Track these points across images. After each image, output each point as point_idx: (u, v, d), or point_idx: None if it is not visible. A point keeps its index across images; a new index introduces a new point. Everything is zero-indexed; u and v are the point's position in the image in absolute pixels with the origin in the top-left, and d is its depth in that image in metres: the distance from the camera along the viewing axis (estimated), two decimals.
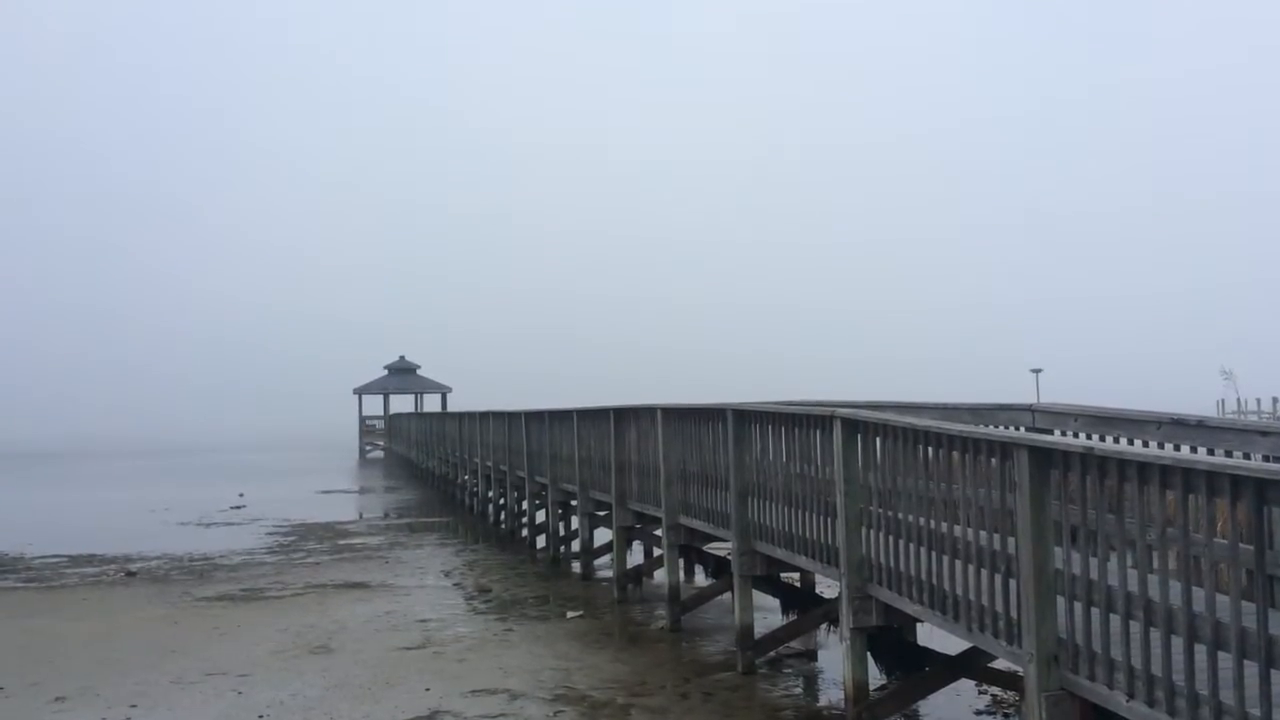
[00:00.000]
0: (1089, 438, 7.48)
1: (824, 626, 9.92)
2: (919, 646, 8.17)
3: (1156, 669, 4.41)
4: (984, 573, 5.66)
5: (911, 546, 6.47)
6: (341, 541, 20.01)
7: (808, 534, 8.03)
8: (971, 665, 7.33)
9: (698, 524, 10.58)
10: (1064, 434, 7.89)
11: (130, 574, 16.33)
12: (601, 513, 14.75)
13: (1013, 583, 5.35)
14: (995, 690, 8.15)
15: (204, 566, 17.00)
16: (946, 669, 7.48)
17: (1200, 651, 4.19)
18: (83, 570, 16.98)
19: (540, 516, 18.50)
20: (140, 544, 19.94)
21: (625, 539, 13.73)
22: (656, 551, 13.85)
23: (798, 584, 11.10)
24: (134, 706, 8.57)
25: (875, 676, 7.78)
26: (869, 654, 7.40)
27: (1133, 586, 4.61)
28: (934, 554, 6.19)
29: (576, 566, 15.57)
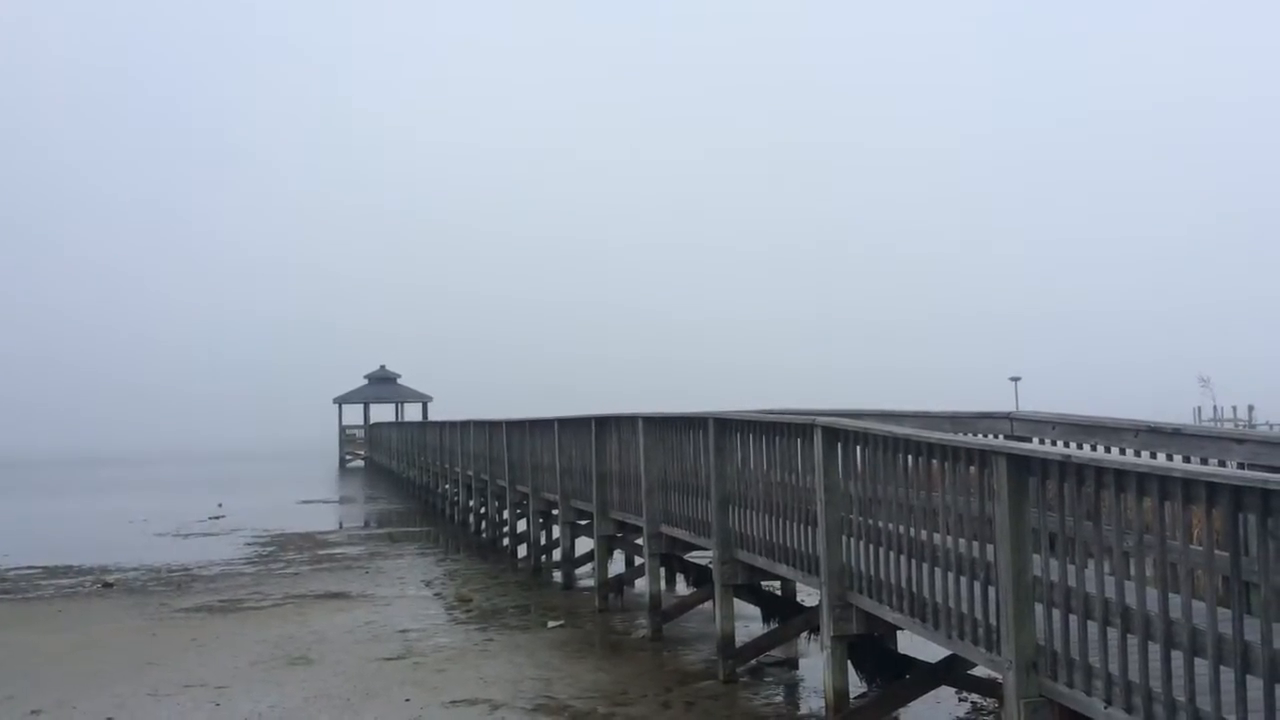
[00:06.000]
0: (1067, 445, 7.52)
1: (805, 635, 9.94)
2: (899, 654, 8.19)
3: (1134, 675, 4.44)
4: (963, 580, 5.68)
5: (891, 555, 6.49)
6: (321, 551, 19.90)
7: (789, 542, 8.04)
8: (951, 673, 7.35)
9: (679, 533, 10.58)
10: (1042, 442, 7.93)
11: (107, 585, 16.19)
12: (583, 522, 14.73)
13: (992, 590, 5.37)
14: (975, 697, 8.18)
15: (182, 577, 16.88)
16: (927, 677, 7.51)
17: (1177, 658, 4.22)
18: (58, 582, 16.83)
19: (521, 526, 18.46)
20: (117, 555, 19.77)
21: (606, 548, 13.72)
22: (638, 560, 13.84)
23: (779, 592, 11.12)
24: (111, 719, 8.49)
25: (856, 684, 7.78)
26: (849, 662, 7.41)
27: (1110, 593, 4.64)
28: (914, 562, 6.21)
29: (558, 576, 15.54)
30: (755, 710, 8.36)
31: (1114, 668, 4.55)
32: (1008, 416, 8.88)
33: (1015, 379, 44.87)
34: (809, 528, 7.62)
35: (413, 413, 59.11)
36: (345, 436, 61.39)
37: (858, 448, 7.05)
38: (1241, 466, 5.98)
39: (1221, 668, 3.99)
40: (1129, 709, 4.45)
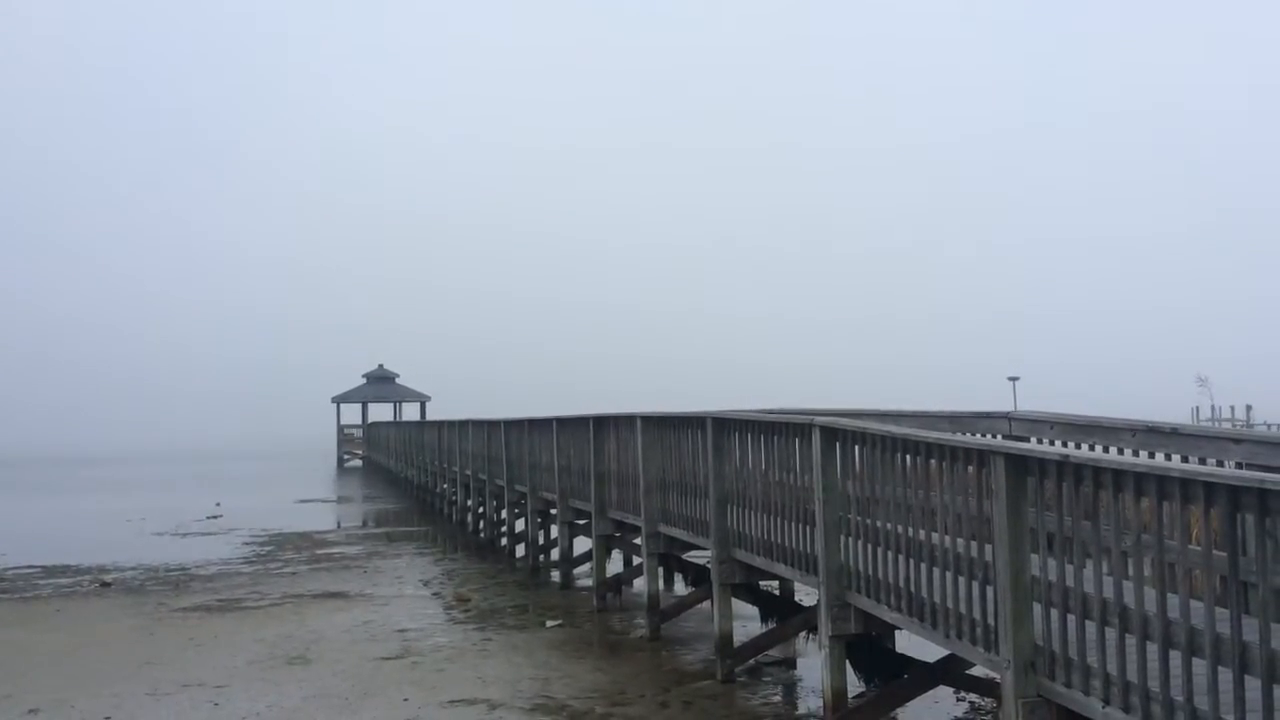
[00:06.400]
0: (1065, 445, 7.53)
1: (803, 634, 9.94)
2: (897, 654, 8.19)
3: (1132, 675, 4.44)
4: (961, 580, 5.68)
5: (890, 554, 6.49)
6: (319, 551, 19.89)
7: (787, 542, 8.04)
8: (950, 672, 7.35)
9: (677, 532, 10.58)
10: (1040, 442, 7.93)
11: (105, 585, 16.17)
12: (581, 521, 14.73)
13: (990, 590, 5.37)
14: (973, 697, 8.18)
15: (180, 577, 16.87)
16: (925, 676, 7.50)
17: (1175, 657, 4.22)
18: (56, 581, 16.82)
19: (519, 525, 18.46)
20: (115, 554, 19.75)
21: (605, 548, 13.71)
22: (636, 560, 13.84)
23: (777, 592, 11.12)
24: (108, 718, 8.49)
25: (854, 684, 7.78)
26: (848, 662, 7.42)
27: (1108, 593, 4.64)
28: (912, 562, 6.21)
29: (556, 575, 15.54)
30: (753, 710, 8.36)
31: (1112, 667, 4.55)
32: (1006, 416, 8.88)
33: (1013, 379, 44.86)
34: (807, 527, 7.62)
35: (411, 412, 59.09)
36: (343, 436, 61.35)
37: (856, 447, 7.04)
38: (1239, 466, 5.99)
39: (1219, 668, 3.99)
40: (1127, 709, 4.45)
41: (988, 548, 5.40)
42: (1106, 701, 4.58)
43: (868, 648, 7.93)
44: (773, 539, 8.30)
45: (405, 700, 8.73)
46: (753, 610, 10.96)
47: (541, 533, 17.20)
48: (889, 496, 6.51)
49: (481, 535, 21.08)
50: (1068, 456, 4.90)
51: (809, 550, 7.57)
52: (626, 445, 12.12)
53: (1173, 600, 4.37)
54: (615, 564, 14.88)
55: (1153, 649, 4.34)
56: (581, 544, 15.11)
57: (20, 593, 15.75)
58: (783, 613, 10.27)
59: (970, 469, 5.62)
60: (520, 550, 18.02)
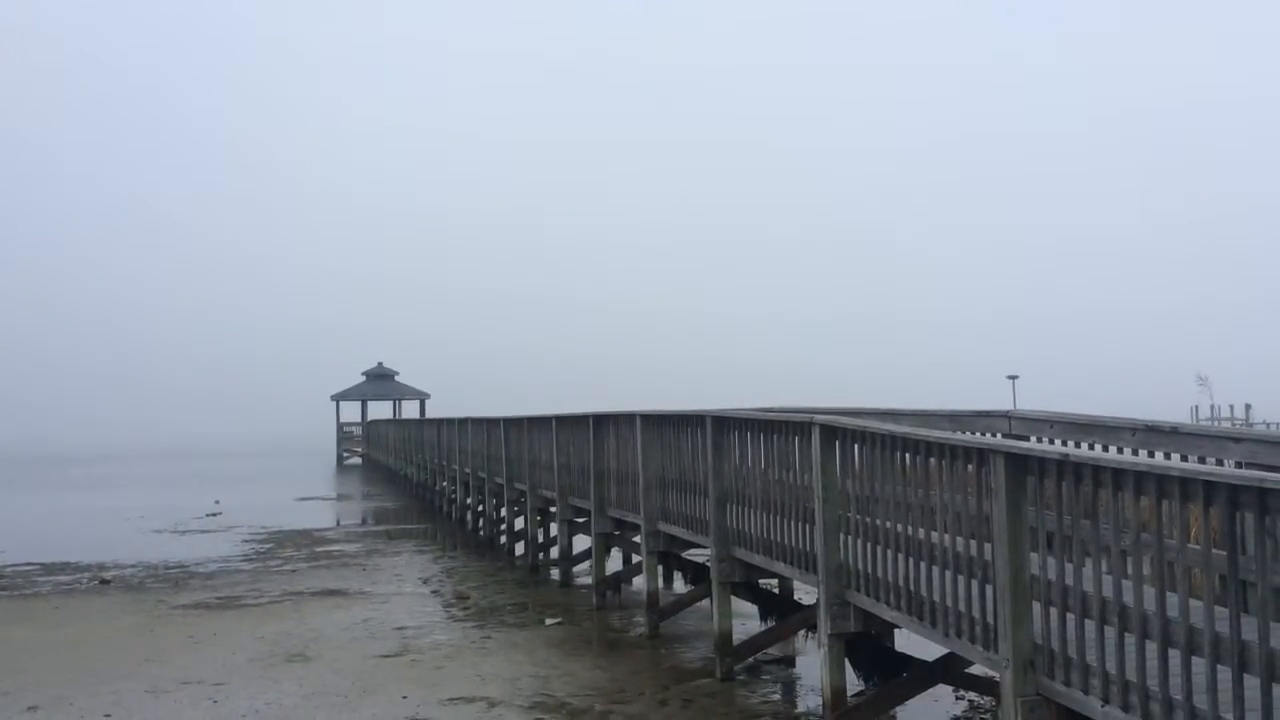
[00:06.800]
0: (1065, 444, 7.53)
1: (802, 633, 9.94)
2: (897, 652, 8.20)
3: (1131, 674, 4.44)
4: (961, 579, 5.68)
5: (889, 553, 6.49)
6: (319, 549, 19.89)
7: (786, 540, 8.04)
8: (949, 671, 7.36)
9: (677, 531, 10.58)
10: (1040, 440, 7.94)
11: (104, 582, 16.18)
12: (580, 519, 14.73)
13: (989, 588, 5.37)
14: (972, 696, 8.19)
15: (179, 574, 16.87)
16: (924, 675, 7.51)
17: (1174, 656, 4.23)
18: (56, 578, 16.82)
19: (519, 523, 18.46)
20: (114, 551, 19.76)
21: (604, 546, 13.72)
22: (635, 558, 13.84)
23: (776, 590, 11.12)
24: (108, 716, 8.49)
25: (853, 683, 7.79)
26: (847, 660, 7.42)
27: (1108, 592, 4.64)
28: (911, 560, 6.22)
29: (555, 573, 15.55)
30: (752, 708, 8.36)
31: (1111, 666, 4.56)
32: (1006, 415, 8.89)
33: (1013, 377, 44.92)
34: (807, 526, 7.62)
35: (410, 410, 59.12)
36: (343, 433, 61.39)
37: (855, 446, 7.05)
38: (1239, 465, 5.99)
39: (1218, 666, 3.99)
40: (1126, 707, 4.46)
41: (987, 546, 5.40)
42: (1106, 700, 4.59)
43: (867, 646, 7.93)
44: (772, 537, 8.30)
45: (404, 698, 8.74)
46: (752, 608, 10.96)
47: (541, 531, 17.20)
48: (888, 495, 6.51)
49: (481, 533, 21.08)
50: (1067, 455, 4.90)
51: (808, 549, 7.57)
52: (626, 443, 12.12)
53: (1172, 599, 4.38)
54: (615, 562, 14.88)
55: (1152, 648, 4.34)
56: (581, 542, 15.12)
57: (19, 590, 15.75)
58: (782, 611, 10.28)
59: (970, 468, 5.62)
60: (520, 548, 18.01)
